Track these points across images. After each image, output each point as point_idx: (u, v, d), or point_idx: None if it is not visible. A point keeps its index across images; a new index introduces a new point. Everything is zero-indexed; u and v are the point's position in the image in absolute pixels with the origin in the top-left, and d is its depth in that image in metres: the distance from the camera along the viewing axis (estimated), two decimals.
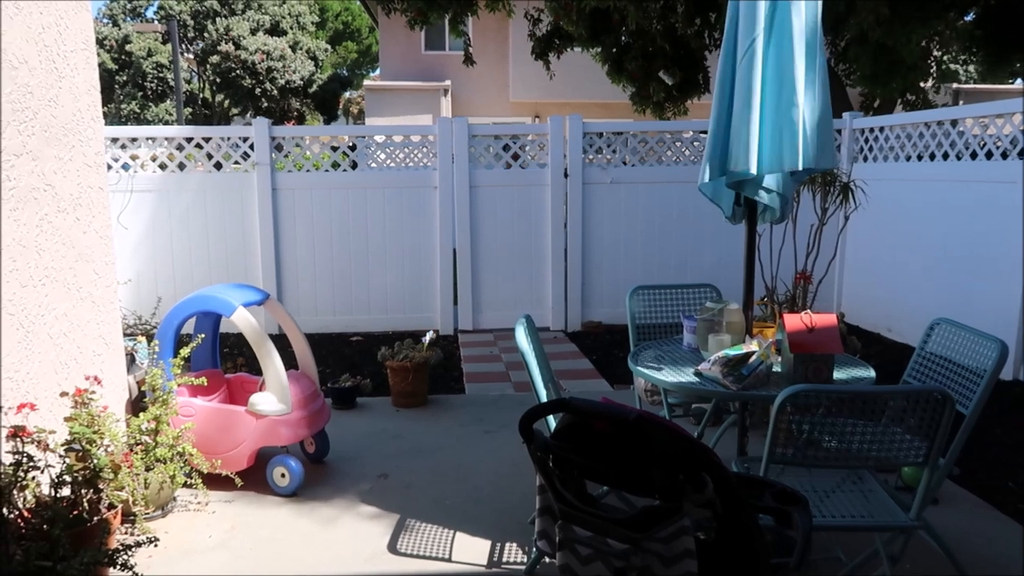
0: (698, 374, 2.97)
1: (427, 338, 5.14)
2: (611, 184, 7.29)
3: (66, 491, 2.84)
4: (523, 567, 2.99)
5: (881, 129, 6.92)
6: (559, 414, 2.01)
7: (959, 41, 10.23)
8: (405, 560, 3.08)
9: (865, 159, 7.19)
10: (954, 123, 6.03)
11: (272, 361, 3.62)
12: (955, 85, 21.40)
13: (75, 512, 2.78)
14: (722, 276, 5.72)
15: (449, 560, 3.07)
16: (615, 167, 7.34)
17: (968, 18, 9.80)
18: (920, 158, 6.41)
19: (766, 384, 2.86)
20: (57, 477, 2.81)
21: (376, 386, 5.37)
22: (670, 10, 9.80)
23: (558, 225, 7.32)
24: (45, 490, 2.85)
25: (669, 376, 2.99)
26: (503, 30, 18.75)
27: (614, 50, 10.75)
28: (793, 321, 2.91)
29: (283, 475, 3.66)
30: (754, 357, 2.81)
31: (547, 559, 2.95)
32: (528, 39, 11.49)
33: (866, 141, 7.17)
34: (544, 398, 2.81)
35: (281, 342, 4.02)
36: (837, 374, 2.96)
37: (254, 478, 3.72)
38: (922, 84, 10.60)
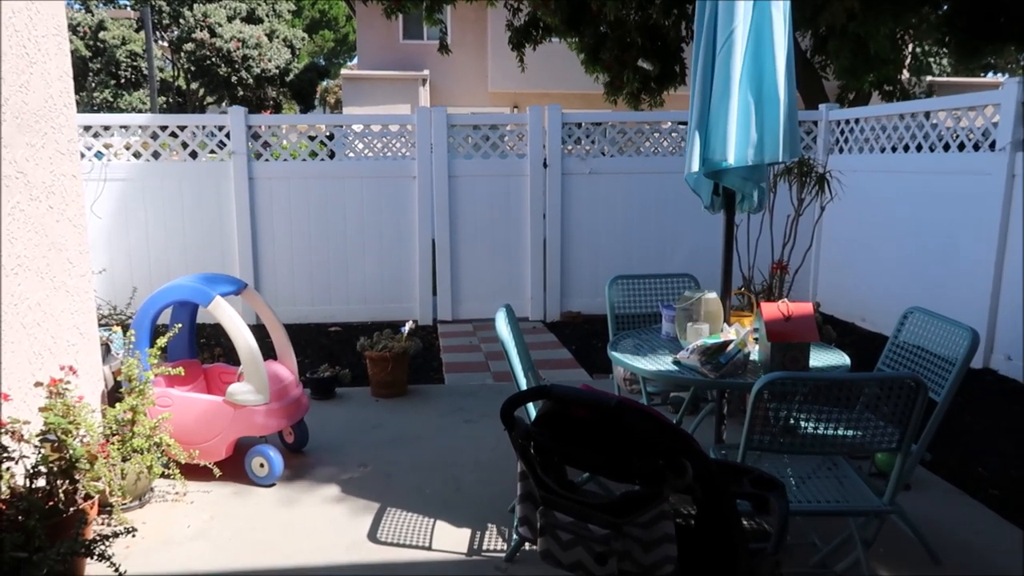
0: (677, 362, 3.00)
1: (406, 328, 5.13)
2: (590, 174, 7.31)
3: (41, 482, 2.81)
4: (503, 554, 3.01)
5: (856, 121, 7.00)
6: (540, 401, 2.02)
7: (932, 34, 10.35)
8: (385, 549, 3.09)
9: (841, 150, 7.27)
10: (927, 115, 6.12)
11: (250, 351, 3.60)
12: (929, 78, 21.67)
13: (51, 503, 2.75)
14: (700, 266, 5.76)
15: (429, 548, 3.08)
16: (594, 157, 7.36)
17: (941, 12, 9.92)
18: (895, 150, 6.49)
19: (743, 372, 2.89)
20: (32, 468, 2.78)
21: (355, 376, 5.35)
22: (648, 1, 9.81)
23: (537, 215, 7.32)
24: (20, 481, 2.82)
25: (648, 364, 3.01)
26: (482, 20, 18.67)
27: (592, 41, 10.74)
28: (770, 310, 2.94)
29: (262, 465, 3.64)
30: (732, 346, 2.85)
31: (528, 546, 2.97)
32: (506, 29, 11.45)
33: (841, 133, 7.25)
34: (524, 387, 2.82)
35: (259, 332, 3.99)
36: (813, 362, 3.00)
37: (232, 468, 3.70)
38: (898, 76, 10.72)
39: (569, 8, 9.84)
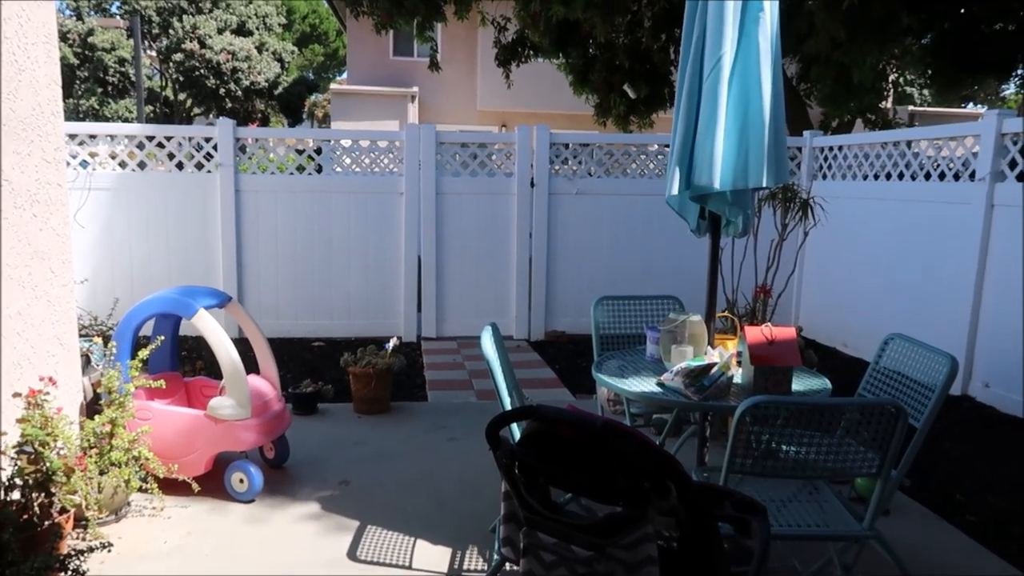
0: (660, 384, 3.01)
1: (390, 345, 5.11)
2: (577, 195, 7.35)
3: (16, 494, 2.77)
4: (484, 574, 2.99)
5: (840, 148, 7.10)
6: (525, 421, 2.03)
7: (915, 65, 10.55)
8: (365, 567, 3.06)
9: (824, 177, 7.37)
10: (910, 144, 6.22)
11: (232, 365, 3.58)
12: (910, 108, 22.05)
13: (25, 516, 2.71)
14: (685, 288, 5.77)
15: (409, 568, 3.06)
16: (581, 178, 7.41)
17: (925, 42, 10.12)
18: (877, 177, 6.59)
19: (727, 395, 2.91)
20: (8, 480, 2.74)
21: (338, 392, 5.32)
22: (637, 24, 9.93)
23: (523, 234, 7.35)
24: None
25: (632, 386, 3.02)
26: (472, 38, 18.80)
27: (580, 62, 10.85)
28: (754, 334, 2.97)
29: (242, 480, 3.61)
30: (715, 368, 2.86)
31: (508, 566, 2.96)
32: (493, 46, 11.54)
33: (825, 159, 7.35)
34: (508, 406, 2.82)
35: (242, 346, 3.96)
36: (795, 386, 3.02)
37: (212, 483, 3.65)
38: (880, 105, 10.90)
39: (558, 29, 9.95)
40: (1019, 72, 10.44)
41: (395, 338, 5.30)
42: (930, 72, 10.26)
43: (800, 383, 3.13)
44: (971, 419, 5.12)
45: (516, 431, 2.87)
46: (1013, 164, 5.26)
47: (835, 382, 3.39)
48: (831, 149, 7.25)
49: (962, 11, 9.18)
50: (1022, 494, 3.92)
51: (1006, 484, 4.05)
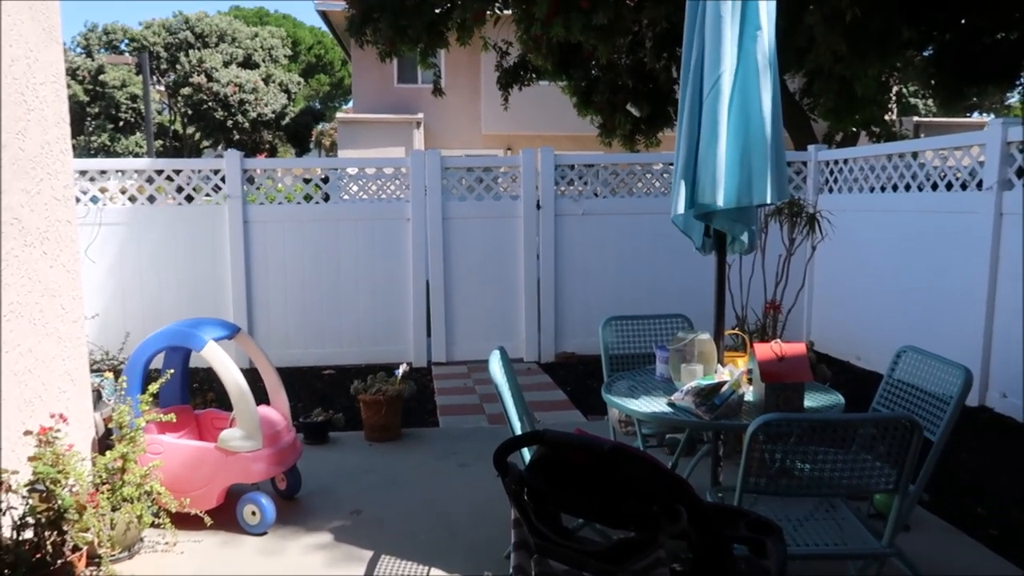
0: (671, 404, 2.99)
1: (400, 371, 5.11)
2: (583, 215, 7.36)
3: (29, 533, 2.76)
4: None
5: (845, 161, 7.09)
6: (534, 446, 2.01)
7: (918, 76, 10.55)
8: None
9: (831, 190, 7.35)
10: (915, 155, 6.21)
11: (242, 396, 3.58)
12: (916, 119, 22.04)
13: (38, 555, 2.71)
14: (693, 306, 5.75)
15: None
16: (587, 198, 7.42)
17: (927, 54, 10.13)
18: (883, 189, 6.57)
19: (738, 413, 2.88)
20: (20, 519, 2.74)
21: (348, 420, 5.31)
22: (639, 44, 9.99)
23: (531, 256, 7.36)
24: (7, 532, 2.77)
25: (643, 406, 3.00)
26: (475, 63, 18.99)
27: (583, 83, 10.92)
28: (764, 351, 2.94)
29: (254, 513, 3.59)
30: (726, 387, 2.84)
31: None
32: (495, 69, 11.64)
33: (831, 173, 7.34)
34: (518, 430, 2.80)
35: (252, 376, 3.96)
36: (808, 402, 2.99)
37: (224, 517, 3.64)
38: (885, 118, 10.90)
39: (560, 51, 10.02)
40: (1022, 80, 10.42)
41: (405, 364, 5.30)
42: (933, 83, 10.26)
43: (813, 399, 3.10)
44: (989, 430, 5.05)
45: (527, 455, 2.85)
46: (1020, 172, 5.23)
47: (849, 396, 3.36)
48: (836, 163, 7.24)
49: (963, 22, 9.20)
50: None
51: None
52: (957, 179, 5.80)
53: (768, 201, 3.13)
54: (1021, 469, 4.37)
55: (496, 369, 2.88)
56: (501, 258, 7.37)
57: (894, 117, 13.48)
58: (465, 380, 6.71)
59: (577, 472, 1.89)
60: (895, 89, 11.92)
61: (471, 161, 7.67)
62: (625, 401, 3.07)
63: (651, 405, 3.02)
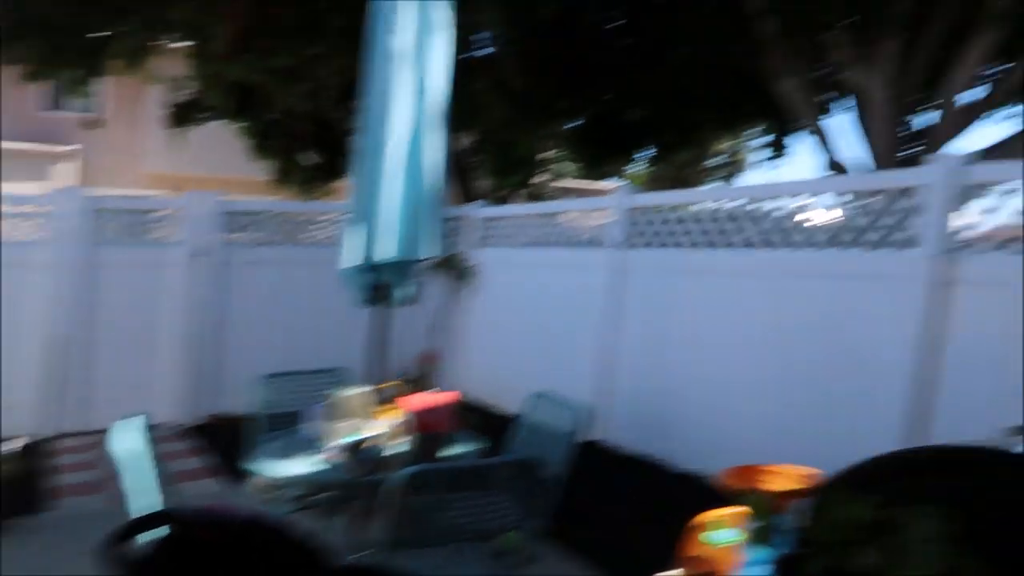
0: (320, 463, 2.97)
1: (10, 447, 4.30)
2: (250, 264, 7.04)
3: None
4: None
5: (501, 218, 7.74)
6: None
7: (564, 144, 12.02)
8: None
9: (488, 245, 7.92)
10: (557, 215, 7.01)
11: None
12: (565, 181, 24.88)
13: None
14: (361, 357, 5.77)
15: None
16: (255, 247, 7.13)
17: (574, 126, 11.60)
18: (531, 246, 7.25)
19: (388, 467, 2.95)
20: None
21: None
22: (321, 90, 9.98)
23: (190, 308, 6.80)
24: None
25: (290, 468, 2.94)
26: (140, 95, 17.41)
27: (259, 127, 10.64)
28: (411, 402, 3.07)
29: None
30: (371, 442, 2.90)
31: None
32: (167, 107, 10.84)
33: (489, 228, 7.93)
34: (143, 512, 2.56)
35: None
36: (457, 449, 3.16)
37: None
38: (542, 179, 12.21)
39: (239, 92, 9.64)
40: (644, 153, 12.38)
41: (22, 437, 4.49)
42: (578, 151, 11.77)
43: (459, 447, 3.29)
44: (603, 461, 5.56)
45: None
46: (641, 233, 6.07)
47: (495, 441, 3.60)
48: (494, 219, 7.84)
49: (605, 98, 10.70)
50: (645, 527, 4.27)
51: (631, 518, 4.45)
52: (587, 239, 6.62)
53: (433, 254, 3.31)
54: (628, 495, 4.92)
55: (125, 442, 2.62)
56: (156, 310, 6.70)
57: (551, 178, 15.14)
58: (102, 450, 5.87)
59: (208, 552, 1.78)
60: (552, 153, 13.42)
61: (128, 202, 6.96)
62: (270, 464, 2.98)
63: (300, 466, 2.96)
